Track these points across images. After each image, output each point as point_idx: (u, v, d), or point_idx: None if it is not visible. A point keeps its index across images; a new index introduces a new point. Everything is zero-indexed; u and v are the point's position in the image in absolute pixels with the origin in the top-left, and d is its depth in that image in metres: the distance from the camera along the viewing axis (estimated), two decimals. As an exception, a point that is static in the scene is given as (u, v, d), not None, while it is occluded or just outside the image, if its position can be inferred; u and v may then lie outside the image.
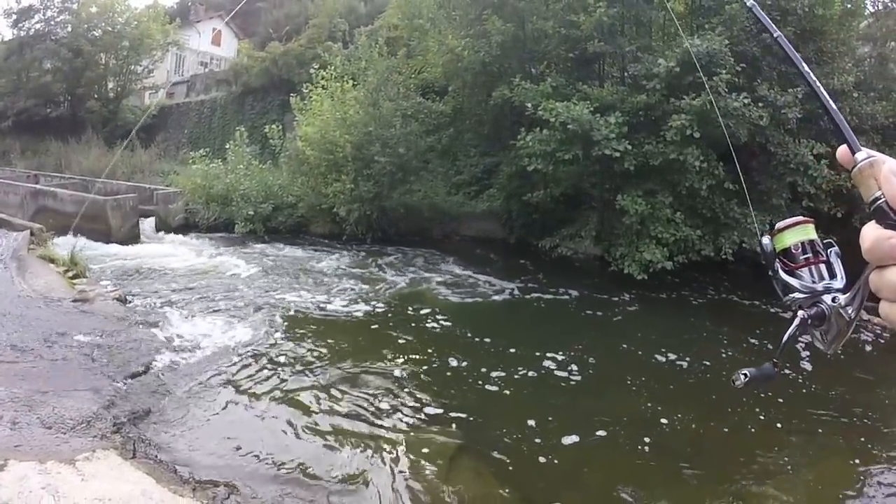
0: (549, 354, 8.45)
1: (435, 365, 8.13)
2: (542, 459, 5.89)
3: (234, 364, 7.83)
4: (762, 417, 6.93)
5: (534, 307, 10.94)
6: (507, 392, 7.45)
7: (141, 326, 8.73)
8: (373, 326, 9.81)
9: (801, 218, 1.00)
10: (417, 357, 8.41)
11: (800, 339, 0.95)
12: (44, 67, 32.32)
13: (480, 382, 7.60)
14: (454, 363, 8.16)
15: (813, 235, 0.98)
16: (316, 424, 6.45)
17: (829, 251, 0.97)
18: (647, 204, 11.11)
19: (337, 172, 16.27)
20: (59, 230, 13.77)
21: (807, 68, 0.98)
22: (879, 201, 0.73)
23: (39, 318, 8.38)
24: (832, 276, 0.95)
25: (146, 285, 11.05)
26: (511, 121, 15.67)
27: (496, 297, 11.44)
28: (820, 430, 6.82)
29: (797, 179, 10.91)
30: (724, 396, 7.40)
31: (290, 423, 6.45)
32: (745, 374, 1.04)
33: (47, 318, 8.47)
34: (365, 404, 6.92)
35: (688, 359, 8.48)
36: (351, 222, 15.97)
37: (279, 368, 7.83)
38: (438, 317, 10.05)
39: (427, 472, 5.65)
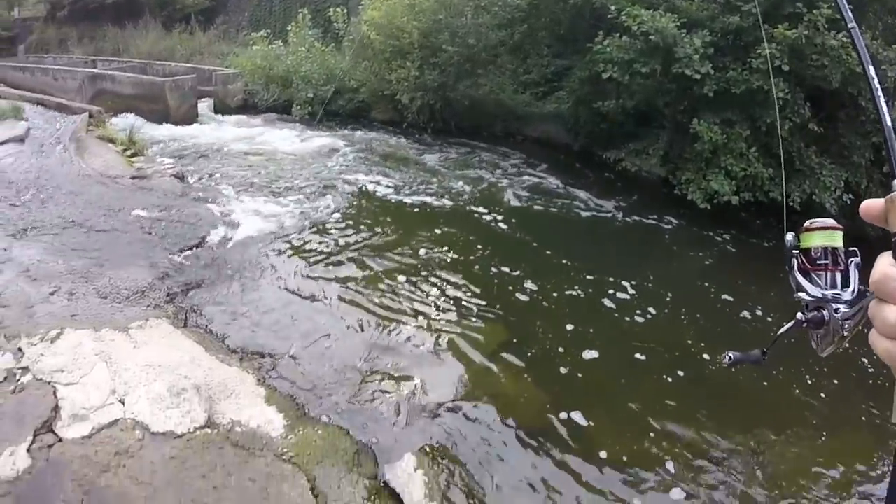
0: (601, 270, 7.89)
1: (485, 263, 7.71)
2: (576, 371, 5.61)
3: (287, 242, 7.71)
4: (807, 375, 6.36)
5: (593, 220, 10.22)
6: (552, 299, 7.03)
7: (197, 202, 8.68)
8: (428, 217, 9.39)
9: (832, 223, 0.96)
10: (470, 253, 7.98)
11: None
12: (99, -48, 31.72)
13: (526, 287, 7.16)
14: (504, 264, 7.69)
15: (838, 244, 0.95)
16: (363, 308, 6.27)
17: (850, 261, 0.95)
18: (722, 133, 10.22)
19: (402, 59, 15.46)
20: (118, 112, 13.81)
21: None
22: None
23: (99, 195, 8.42)
24: (845, 285, 0.93)
25: (203, 164, 10.97)
26: (589, 23, 14.26)
27: (555, 202, 10.78)
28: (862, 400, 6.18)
29: (883, 141, 9.70)
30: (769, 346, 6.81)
31: (337, 305, 6.31)
32: (731, 357, 1.18)
33: (106, 194, 8.51)
34: (413, 294, 6.70)
35: (741, 301, 7.80)
36: (413, 110, 15.36)
37: (331, 250, 7.67)
38: (495, 215, 9.47)
39: (467, 365, 5.47)
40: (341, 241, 7.91)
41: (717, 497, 4.37)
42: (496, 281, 7.21)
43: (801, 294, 0.95)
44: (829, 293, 0.93)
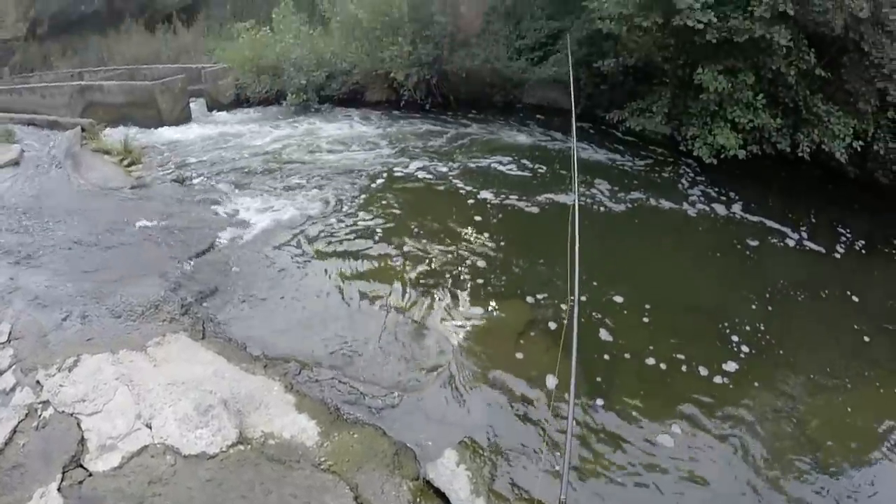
0: (619, 236, 7.81)
1: (501, 243, 7.42)
2: (604, 350, 5.40)
3: (296, 237, 7.48)
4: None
5: (603, 187, 9.88)
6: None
7: (201, 205, 8.46)
8: (440, 200, 9.02)
9: None
10: (487, 234, 7.66)
11: None
12: (71, -38, 31.17)
13: (546, 261, 6.90)
14: (525, 245, 7.40)
15: None
16: (382, 298, 6.08)
17: None
18: (727, 82, 9.84)
19: (393, 35, 14.90)
20: (111, 122, 13.53)
21: None
22: None
23: (100, 209, 8.22)
24: None
25: (202, 165, 10.69)
26: None
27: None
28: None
29: (888, 87, 9.30)
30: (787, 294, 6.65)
31: (356, 300, 6.09)
32: None
33: (107, 208, 8.31)
34: (432, 279, 6.48)
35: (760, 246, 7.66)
36: (409, 87, 14.78)
37: (342, 241, 7.43)
38: (503, 190, 9.19)
39: (496, 351, 5.27)
40: (351, 234, 7.63)
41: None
42: (519, 262, 6.95)
43: None
44: None
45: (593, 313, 5.86)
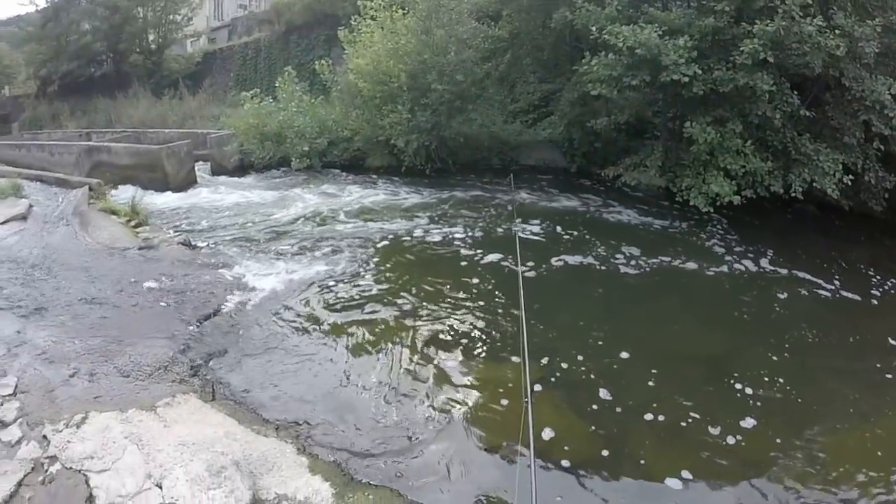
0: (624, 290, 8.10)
1: (507, 302, 7.57)
2: (617, 400, 5.52)
3: (304, 300, 7.58)
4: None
5: (607, 243, 10.15)
6: (579, 327, 7.07)
7: (208, 268, 8.56)
8: (443, 262, 9.30)
9: None
10: (492, 296, 7.87)
11: None
12: (82, 29, 31.86)
13: (552, 322, 7.09)
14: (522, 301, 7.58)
15: None
16: (392, 359, 6.16)
17: None
18: (716, 132, 10.38)
19: (392, 103, 15.58)
20: (117, 183, 13.78)
21: None
22: None
23: (108, 268, 8.31)
24: None
25: (209, 228, 10.88)
26: (571, 46, 14.89)
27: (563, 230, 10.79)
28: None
29: (871, 118, 9.89)
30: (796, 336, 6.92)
31: (364, 360, 6.18)
32: None
33: (115, 267, 8.38)
34: (440, 340, 6.58)
35: (761, 294, 7.99)
36: (409, 153, 15.33)
37: (350, 303, 7.54)
38: (507, 254, 9.39)
39: (508, 408, 5.32)
40: (356, 297, 7.75)
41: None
42: (513, 317, 7.06)
43: None
44: None
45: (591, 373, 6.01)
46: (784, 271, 8.77)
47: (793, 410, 5.50)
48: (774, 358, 6.39)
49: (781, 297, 7.98)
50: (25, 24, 34.28)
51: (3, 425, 4.72)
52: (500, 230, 10.73)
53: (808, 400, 5.66)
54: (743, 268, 8.99)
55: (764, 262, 9.07)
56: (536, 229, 10.75)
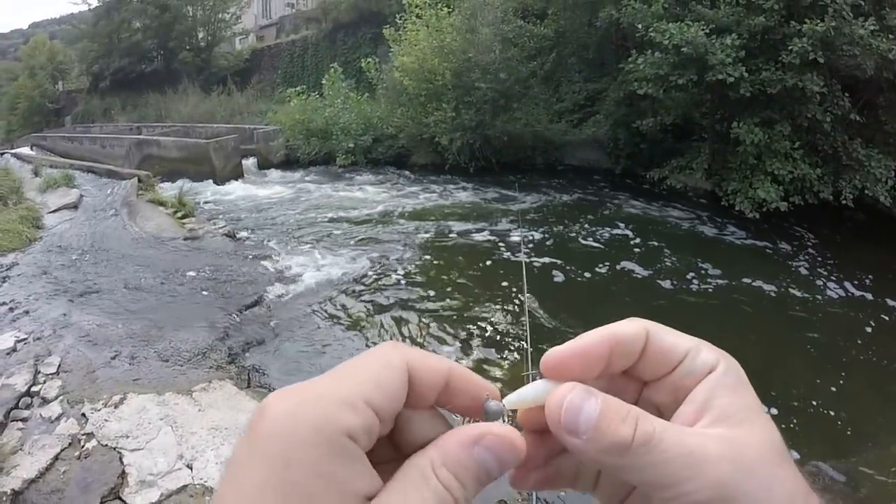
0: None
1: (547, 304, 7.48)
2: None
3: (343, 294, 7.60)
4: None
5: (649, 247, 9.94)
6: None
7: (251, 260, 8.66)
8: (484, 261, 9.14)
9: None
10: (533, 293, 7.74)
11: None
12: (133, 27, 32.83)
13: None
14: (553, 306, 7.44)
15: None
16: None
17: None
18: (764, 134, 10.03)
19: (437, 101, 15.65)
20: (165, 176, 14.09)
21: None
22: None
23: (153, 258, 8.47)
24: None
25: (252, 221, 11.05)
26: (617, 45, 14.62)
27: (612, 232, 10.60)
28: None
29: None
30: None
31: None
32: None
33: (160, 256, 8.55)
34: (480, 338, 6.50)
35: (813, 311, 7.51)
36: (453, 151, 15.35)
37: (387, 298, 7.52)
38: (558, 260, 9.34)
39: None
40: (395, 289, 7.75)
41: None
42: (556, 317, 6.95)
43: None
44: None
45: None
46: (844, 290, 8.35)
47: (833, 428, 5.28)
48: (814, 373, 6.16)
49: (835, 311, 7.64)
50: (78, 22, 35.54)
51: (44, 402, 4.83)
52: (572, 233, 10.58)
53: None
54: (803, 288, 8.30)
55: (823, 275, 8.60)
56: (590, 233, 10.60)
